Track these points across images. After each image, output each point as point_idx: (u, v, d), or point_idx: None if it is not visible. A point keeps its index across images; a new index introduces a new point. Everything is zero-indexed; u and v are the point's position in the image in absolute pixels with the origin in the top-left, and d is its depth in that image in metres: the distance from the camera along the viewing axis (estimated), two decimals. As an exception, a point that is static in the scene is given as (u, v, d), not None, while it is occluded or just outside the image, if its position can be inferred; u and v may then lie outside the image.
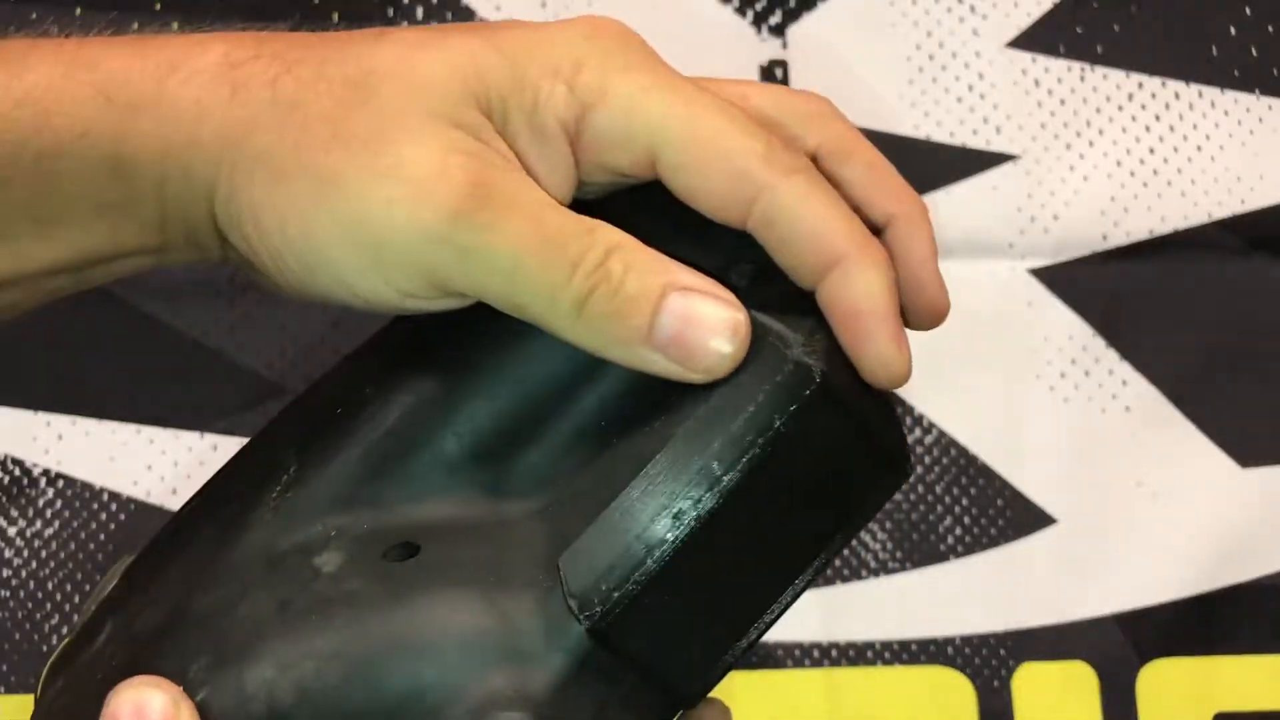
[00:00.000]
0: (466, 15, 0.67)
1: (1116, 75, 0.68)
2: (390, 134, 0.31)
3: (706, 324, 0.30)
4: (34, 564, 0.61)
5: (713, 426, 0.30)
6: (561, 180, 0.32)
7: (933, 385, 0.65)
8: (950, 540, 0.63)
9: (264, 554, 0.31)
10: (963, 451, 0.64)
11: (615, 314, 0.30)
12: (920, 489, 0.64)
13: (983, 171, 0.67)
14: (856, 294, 0.31)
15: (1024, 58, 0.68)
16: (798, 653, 0.62)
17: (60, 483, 0.62)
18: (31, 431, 0.62)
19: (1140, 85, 0.68)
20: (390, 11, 0.67)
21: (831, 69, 0.67)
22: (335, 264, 0.31)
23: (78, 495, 0.62)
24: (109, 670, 0.30)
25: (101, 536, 0.62)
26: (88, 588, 0.61)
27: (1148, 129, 0.68)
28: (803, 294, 0.32)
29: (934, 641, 0.63)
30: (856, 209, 0.33)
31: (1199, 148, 0.68)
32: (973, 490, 0.64)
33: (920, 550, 0.63)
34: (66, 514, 0.62)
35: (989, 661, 0.62)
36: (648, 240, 0.31)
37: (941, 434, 0.64)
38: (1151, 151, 0.68)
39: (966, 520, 0.64)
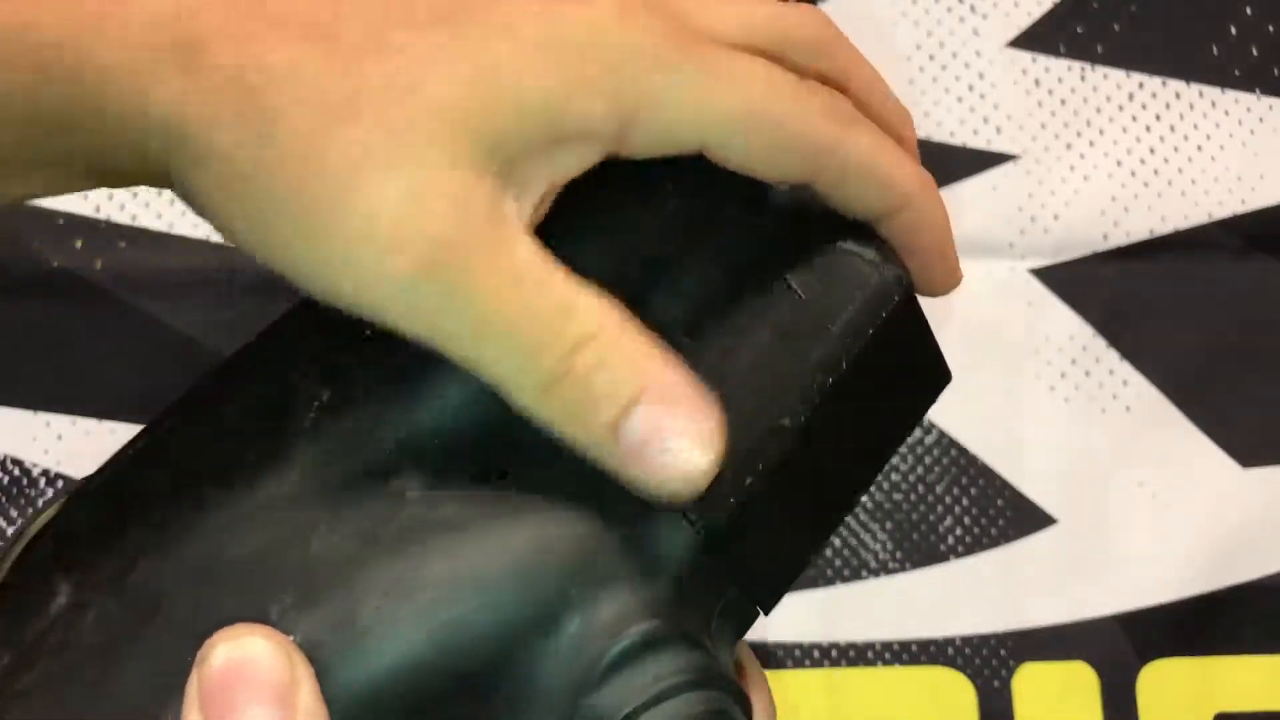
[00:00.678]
0: None
1: (1117, 75, 0.68)
2: (367, 168, 0.27)
3: (675, 441, 0.27)
4: (34, 564, 0.61)
5: (813, 335, 0.30)
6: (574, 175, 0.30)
7: (933, 385, 0.65)
8: (950, 540, 0.63)
9: (317, 485, 0.28)
10: (963, 451, 0.64)
11: (579, 409, 0.28)
12: (920, 489, 0.64)
13: (983, 171, 0.67)
14: (927, 226, 0.32)
15: (1024, 57, 0.68)
16: (798, 653, 0.62)
17: (60, 483, 0.62)
18: (31, 431, 0.62)
19: (1141, 85, 0.68)
20: None
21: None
22: (293, 278, 0.29)
23: (77, 495, 0.62)
24: (104, 639, 0.28)
25: (101, 537, 0.61)
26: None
27: (1148, 129, 0.68)
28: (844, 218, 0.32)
29: (934, 642, 0.62)
30: None
31: (1199, 147, 0.68)
32: (973, 490, 0.64)
33: (920, 550, 0.63)
34: (66, 514, 0.62)
35: (989, 662, 0.62)
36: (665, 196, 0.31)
37: (942, 434, 0.64)
38: (1152, 151, 0.67)
39: (967, 520, 0.64)
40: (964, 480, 0.64)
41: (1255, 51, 0.69)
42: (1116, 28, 0.69)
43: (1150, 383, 0.65)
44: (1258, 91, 0.69)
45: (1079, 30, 0.69)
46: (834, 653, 0.62)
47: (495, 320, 0.27)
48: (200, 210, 0.29)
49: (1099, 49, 0.69)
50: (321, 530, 0.28)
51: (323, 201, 0.27)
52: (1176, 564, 0.63)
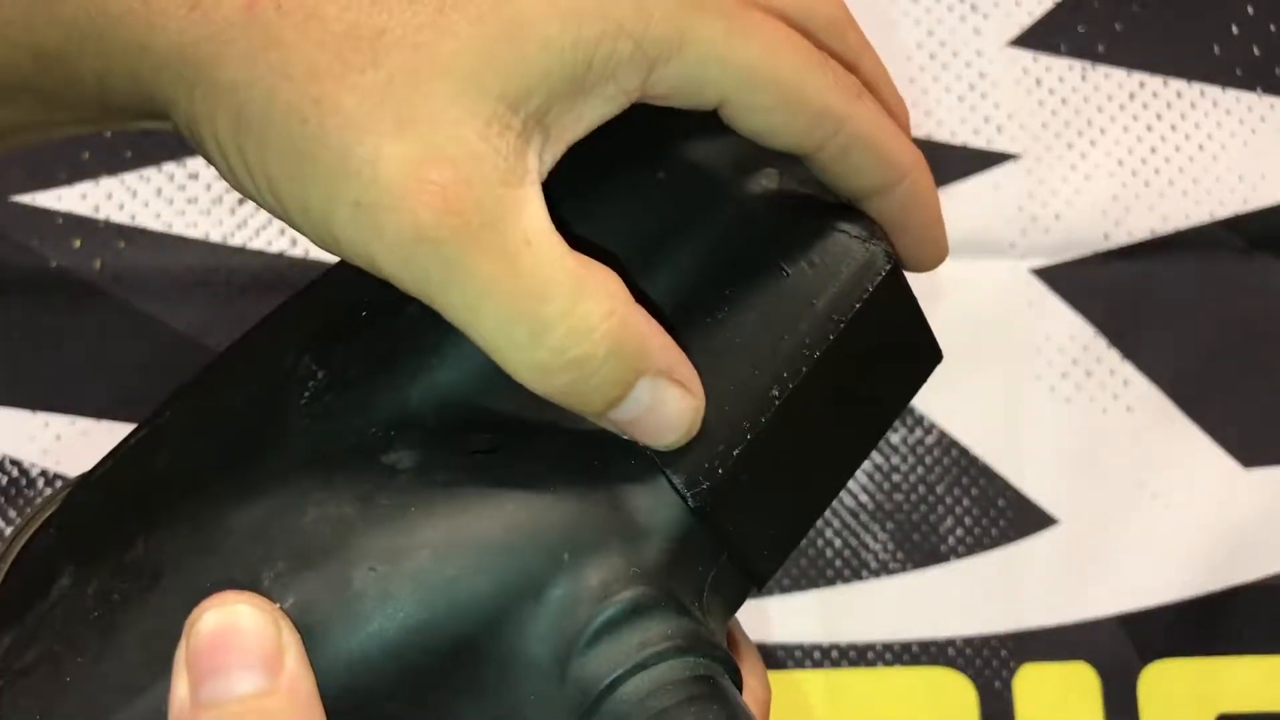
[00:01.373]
0: None
1: (1118, 74, 0.68)
2: (381, 119, 0.26)
3: (668, 414, 0.29)
4: (32, 564, 0.61)
5: (800, 308, 0.31)
6: (591, 126, 0.29)
7: (934, 385, 0.64)
8: (951, 541, 0.63)
9: (312, 461, 0.29)
10: (964, 452, 0.64)
11: (578, 388, 0.28)
12: (921, 489, 0.64)
13: (984, 171, 0.67)
14: (920, 202, 0.33)
15: (1025, 56, 0.68)
16: (798, 654, 0.62)
17: (59, 483, 0.62)
18: (29, 431, 0.62)
19: (1142, 84, 0.68)
20: None
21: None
22: (292, 223, 0.28)
23: (76, 496, 0.62)
24: (103, 612, 0.28)
25: (100, 537, 0.61)
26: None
27: (1149, 128, 0.68)
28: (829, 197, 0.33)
29: (935, 642, 0.62)
30: None
31: (1201, 147, 0.67)
32: (974, 491, 0.64)
33: (921, 551, 0.63)
34: (65, 514, 0.62)
35: (990, 662, 0.62)
36: (651, 155, 0.31)
37: (943, 434, 0.64)
38: (1153, 151, 0.67)
39: (967, 521, 0.64)
40: (964, 480, 0.64)
41: (1257, 51, 0.69)
42: (1118, 27, 0.69)
43: (1151, 383, 0.65)
44: (1259, 91, 0.68)
45: (1080, 29, 0.69)
46: (834, 653, 0.62)
47: (495, 292, 0.27)
48: (200, 146, 0.28)
49: (1100, 48, 0.68)
50: (315, 501, 0.28)
51: (332, 149, 0.26)
52: (1178, 564, 0.63)
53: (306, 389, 0.30)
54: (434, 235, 0.26)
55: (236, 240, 0.64)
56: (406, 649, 0.27)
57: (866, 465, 0.64)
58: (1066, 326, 0.65)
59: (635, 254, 0.31)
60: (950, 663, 0.62)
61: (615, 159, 0.31)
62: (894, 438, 0.64)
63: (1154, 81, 0.68)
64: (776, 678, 0.62)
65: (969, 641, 0.62)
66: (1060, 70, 0.68)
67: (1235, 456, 0.65)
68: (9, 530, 0.61)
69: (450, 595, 0.27)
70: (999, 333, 0.65)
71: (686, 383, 0.29)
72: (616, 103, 0.29)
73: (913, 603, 0.63)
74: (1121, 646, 0.62)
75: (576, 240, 0.28)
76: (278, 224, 0.65)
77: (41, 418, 0.62)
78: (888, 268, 0.32)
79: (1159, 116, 0.68)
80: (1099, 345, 0.65)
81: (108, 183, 0.65)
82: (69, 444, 0.62)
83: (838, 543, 0.63)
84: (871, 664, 0.62)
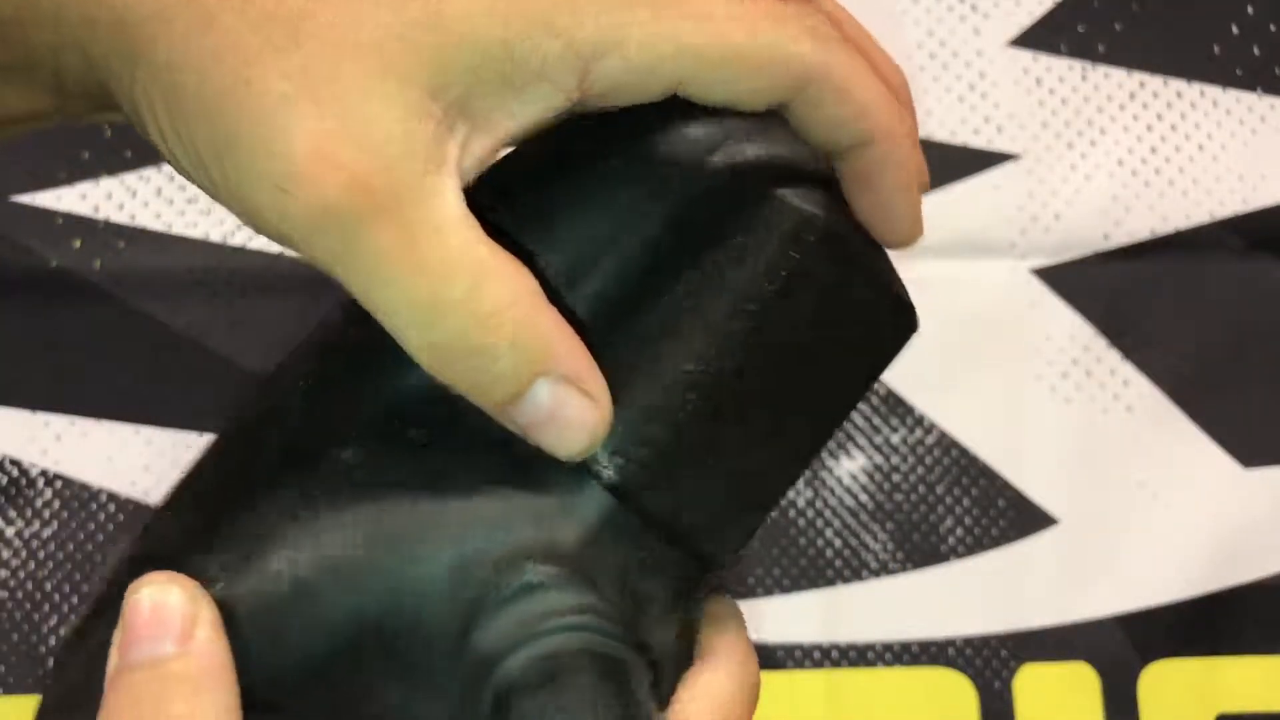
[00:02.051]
0: None
1: (1118, 74, 0.68)
2: (298, 98, 0.27)
3: (569, 421, 0.29)
4: (32, 565, 0.61)
5: (726, 281, 0.30)
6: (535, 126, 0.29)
7: (933, 385, 0.65)
8: (951, 541, 0.63)
9: (284, 459, 0.30)
10: (964, 452, 0.64)
11: (476, 377, 0.28)
12: (921, 489, 0.64)
13: (984, 171, 0.67)
14: (894, 164, 0.31)
15: (1025, 56, 0.68)
16: (798, 654, 0.62)
17: (58, 483, 0.62)
18: (29, 432, 0.62)
19: (1142, 84, 0.68)
20: None
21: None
22: (218, 199, 0.29)
23: (75, 496, 0.62)
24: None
25: (100, 537, 0.61)
26: (86, 588, 0.61)
27: (1149, 128, 0.68)
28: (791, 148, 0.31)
29: (935, 642, 0.62)
30: None
31: (1201, 147, 0.67)
32: (974, 491, 0.64)
33: (921, 551, 0.63)
34: (64, 515, 0.62)
35: (990, 662, 0.62)
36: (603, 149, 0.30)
37: (943, 434, 0.64)
38: (1153, 151, 0.67)
39: (968, 521, 0.64)
40: (965, 481, 0.64)
41: (1257, 51, 0.69)
42: (1118, 27, 0.69)
43: (1151, 383, 0.65)
44: (1259, 91, 0.68)
45: (1080, 29, 0.69)
46: (834, 653, 0.62)
47: (396, 268, 0.27)
48: (142, 129, 0.29)
49: (1100, 48, 0.68)
50: (266, 496, 0.30)
51: (255, 125, 0.27)
52: (1178, 564, 0.63)
53: (297, 395, 0.32)
54: (338, 210, 0.27)
55: (236, 240, 0.64)
56: (317, 630, 0.28)
57: (866, 465, 0.64)
58: (1066, 326, 0.65)
59: (584, 253, 0.31)
60: (950, 663, 0.62)
61: (571, 155, 0.31)
62: (894, 438, 0.64)
63: (1154, 81, 0.68)
64: (776, 678, 0.62)
65: (969, 641, 0.62)
66: (1060, 70, 0.68)
67: (1235, 456, 0.65)
68: (9, 533, 0.62)
69: (352, 574, 0.28)
70: (999, 333, 0.65)
71: (593, 393, 0.29)
72: (553, 102, 0.29)
73: (913, 603, 0.63)
74: (1121, 646, 0.62)
75: (504, 239, 0.28)
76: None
77: (41, 417, 0.62)
78: (817, 232, 0.30)
79: (1159, 116, 0.68)
80: (1099, 345, 0.65)
81: (108, 183, 0.65)
82: (69, 444, 0.62)
83: (838, 543, 0.63)
84: (871, 664, 0.62)
